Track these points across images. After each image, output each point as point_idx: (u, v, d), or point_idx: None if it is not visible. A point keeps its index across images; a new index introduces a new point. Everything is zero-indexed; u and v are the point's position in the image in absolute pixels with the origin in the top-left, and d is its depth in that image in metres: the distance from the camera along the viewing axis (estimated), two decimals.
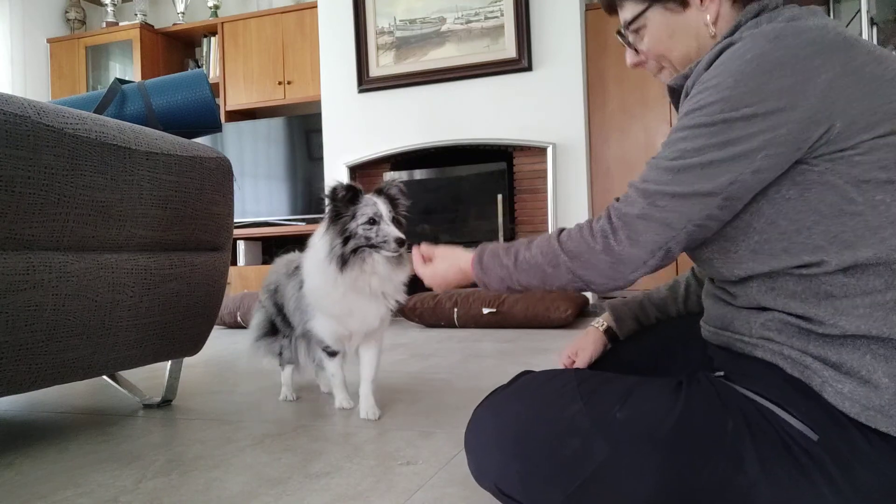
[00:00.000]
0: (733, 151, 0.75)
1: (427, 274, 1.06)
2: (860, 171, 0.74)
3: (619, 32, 0.98)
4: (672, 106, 1.02)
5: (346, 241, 1.46)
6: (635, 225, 0.81)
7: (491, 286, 0.96)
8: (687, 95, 0.85)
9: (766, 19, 0.82)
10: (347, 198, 1.47)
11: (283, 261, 1.80)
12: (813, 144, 0.74)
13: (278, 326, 1.79)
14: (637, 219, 0.81)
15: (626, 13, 0.95)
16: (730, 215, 0.80)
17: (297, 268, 1.64)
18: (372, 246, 1.46)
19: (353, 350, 1.66)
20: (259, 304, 1.87)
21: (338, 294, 1.49)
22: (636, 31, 0.95)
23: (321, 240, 1.50)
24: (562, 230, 0.90)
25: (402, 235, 1.44)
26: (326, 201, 1.48)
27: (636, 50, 0.98)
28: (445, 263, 1.04)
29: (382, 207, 1.47)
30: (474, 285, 1.00)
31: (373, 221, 1.45)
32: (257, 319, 1.86)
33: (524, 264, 0.91)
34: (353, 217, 1.46)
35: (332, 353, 1.64)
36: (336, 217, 1.48)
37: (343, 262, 1.45)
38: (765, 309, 0.82)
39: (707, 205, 0.78)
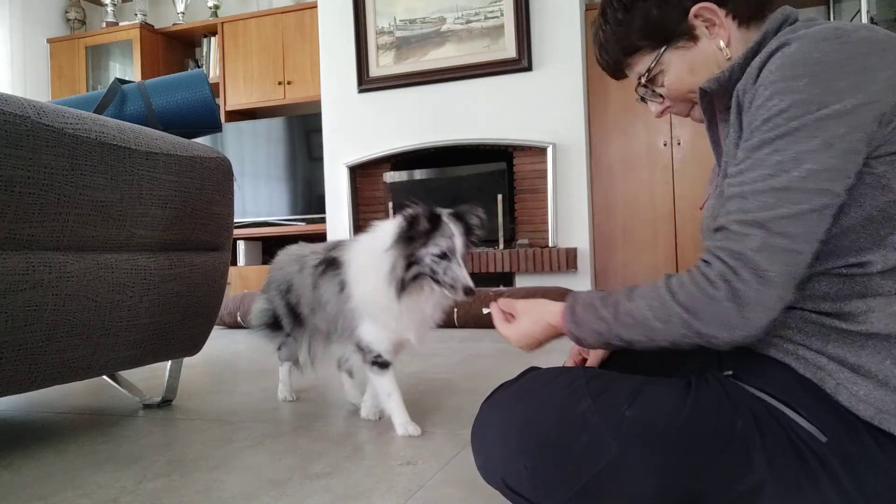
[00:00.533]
0: (837, 153, 0.71)
1: (512, 335, 1.00)
2: None
3: (639, 86, 0.96)
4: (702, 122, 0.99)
5: (409, 265, 1.35)
6: (758, 260, 0.72)
7: (586, 342, 0.89)
8: (738, 103, 0.82)
9: (803, 26, 0.80)
10: (426, 230, 1.34)
11: (290, 256, 1.69)
12: (879, 142, 0.73)
13: (283, 324, 1.71)
14: (758, 252, 0.72)
15: (641, 66, 0.94)
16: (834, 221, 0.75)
17: (331, 263, 1.50)
18: (435, 281, 1.36)
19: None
20: (261, 298, 1.78)
21: (394, 310, 1.40)
22: (652, 81, 0.94)
23: (384, 253, 1.37)
24: (670, 276, 0.81)
25: (472, 285, 1.34)
26: (400, 223, 1.35)
27: (660, 100, 0.96)
28: (530, 320, 0.97)
29: (458, 242, 1.35)
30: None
31: (444, 256, 1.34)
32: (260, 307, 1.76)
33: (626, 318, 0.82)
34: (425, 245, 1.34)
35: (385, 365, 1.45)
36: (406, 240, 1.35)
37: (402, 288, 1.36)
38: (787, 307, 0.81)
39: (826, 216, 0.73)
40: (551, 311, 0.94)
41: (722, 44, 0.88)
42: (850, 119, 0.71)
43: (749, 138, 0.77)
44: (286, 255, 1.72)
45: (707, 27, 0.89)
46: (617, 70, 0.98)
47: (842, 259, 0.77)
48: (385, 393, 1.44)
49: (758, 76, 0.78)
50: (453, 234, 1.35)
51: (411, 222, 1.33)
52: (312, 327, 1.63)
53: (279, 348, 1.77)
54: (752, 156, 0.76)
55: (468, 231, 1.39)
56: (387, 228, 1.41)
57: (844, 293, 0.77)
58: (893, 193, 0.74)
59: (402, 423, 1.42)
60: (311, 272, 1.55)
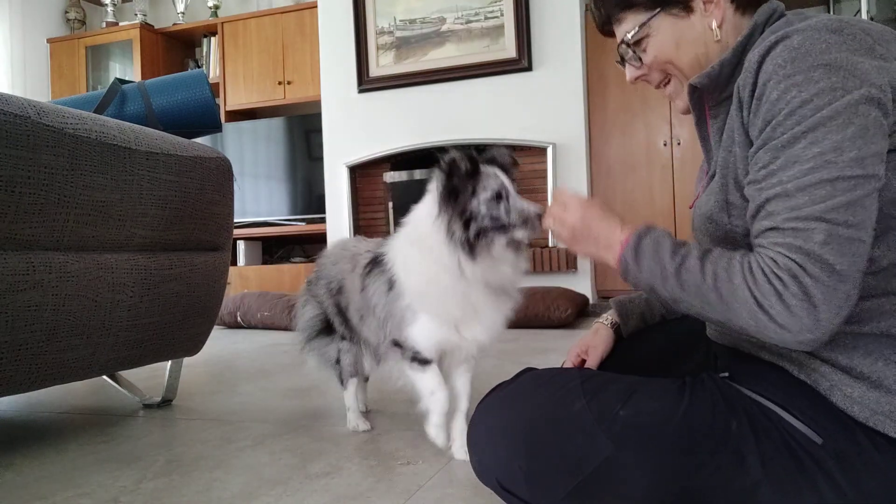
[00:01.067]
0: (875, 137, 0.70)
1: (566, 233, 0.92)
2: None
3: (622, 45, 0.94)
4: (684, 114, 0.98)
5: (466, 224, 1.15)
6: (825, 255, 0.69)
7: (634, 277, 0.83)
8: (740, 99, 0.80)
9: (798, 19, 0.79)
10: (469, 172, 1.15)
11: (344, 251, 1.47)
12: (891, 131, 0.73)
13: (336, 327, 1.48)
14: (825, 245, 0.69)
15: (628, 25, 0.92)
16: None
17: (376, 262, 1.32)
18: (501, 228, 1.15)
19: (446, 368, 1.32)
20: (307, 297, 1.56)
21: (461, 289, 1.18)
22: (637, 44, 0.92)
23: (431, 226, 1.18)
24: (746, 255, 0.76)
25: (540, 210, 1.13)
26: (439, 177, 1.17)
27: (638, 64, 0.95)
28: (598, 213, 0.89)
29: (506, 179, 1.18)
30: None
31: (499, 196, 1.15)
32: (308, 315, 1.53)
33: (690, 277, 0.77)
34: (474, 193, 1.15)
35: (425, 362, 1.26)
36: (451, 195, 1.15)
37: (471, 248, 1.14)
38: None
39: (875, 200, 0.70)
40: (618, 224, 0.87)
41: (714, 24, 0.87)
42: (874, 102, 0.70)
43: (772, 136, 0.74)
44: (339, 249, 1.50)
45: (704, 2, 0.88)
46: (605, 24, 0.96)
47: None
48: (428, 391, 1.25)
49: (758, 70, 0.77)
50: (497, 174, 1.18)
51: (451, 169, 1.15)
52: (362, 339, 1.43)
53: (337, 360, 1.50)
54: (783, 154, 0.73)
55: (506, 172, 1.21)
56: (424, 208, 1.23)
57: None
58: (891, 190, 0.74)
59: (436, 423, 1.25)
60: (360, 273, 1.36)
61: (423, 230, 1.20)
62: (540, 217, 1.13)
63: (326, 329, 1.50)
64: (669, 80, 0.95)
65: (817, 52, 0.72)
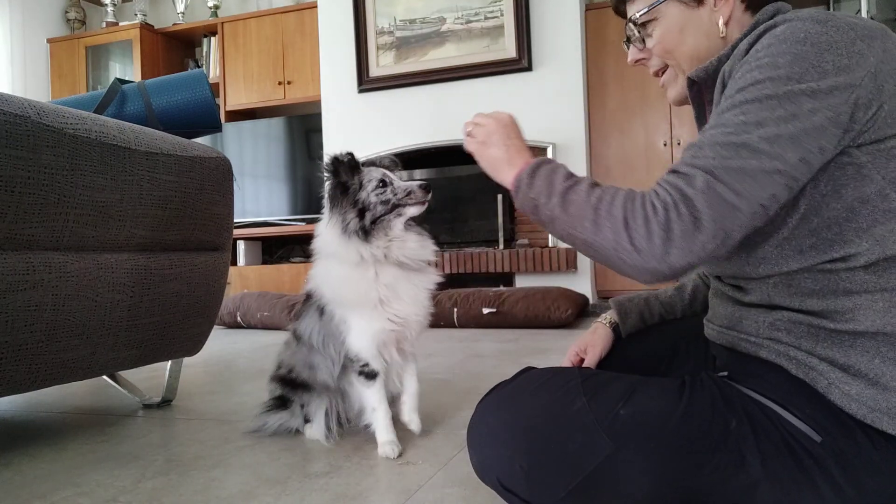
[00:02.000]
0: (798, 127, 0.71)
1: (482, 133, 0.97)
2: None
3: (629, 23, 0.96)
4: (674, 104, 1.00)
5: (361, 214, 1.25)
6: (698, 202, 0.72)
7: (522, 198, 0.86)
8: (723, 83, 0.82)
9: (794, 13, 0.81)
10: (351, 164, 1.27)
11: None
12: (860, 129, 0.73)
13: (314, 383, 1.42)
14: (700, 194, 0.72)
15: (639, 4, 0.93)
16: (787, 198, 0.75)
17: (306, 298, 1.39)
18: (393, 208, 1.25)
19: (396, 369, 1.36)
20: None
21: (370, 274, 1.26)
22: (644, 26, 0.94)
23: (329, 228, 1.28)
24: (631, 191, 0.80)
25: (424, 181, 1.25)
26: (326, 178, 1.28)
27: (641, 46, 0.96)
28: (509, 132, 0.94)
29: (386, 171, 1.30)
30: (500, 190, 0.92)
31: (384, 184, 1.26)
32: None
33: (576, 198, 0.80)
34: (361, 186, 1.26)
35: (372, 375, 1.30)
36: (341, 190, 1.27)
37: (365, 233, 1.24)
38: (775, 308, 0.82)
39: (774, 183, 0.72)
40: (529, 152, 0.92)
41: (721, 21, 0.89)
42: (822, 98, 0.72)
43: (720, 105, 0.78)
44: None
45: None
46: (620, 2, 0.98)
47: (827, 253, 0.77)
48: (370, 407, 1.31)
49: (744, 57, 0.79)
50: (378, 168, 1.29)
51: (335, 167, 1.26)
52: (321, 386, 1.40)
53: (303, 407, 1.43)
54: (718, 119, 0.76)
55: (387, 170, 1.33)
56: (322, 224, 1.32)
57: (830, 289, 0.77)
58: (876, 184, 0.74)
59: (383, 441, 1.29)
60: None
61: (325, 242, 1.30)
62: (423, 186, 1.25)
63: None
64: (667, 68, 0.97)
65: (792, 41, 0.74)
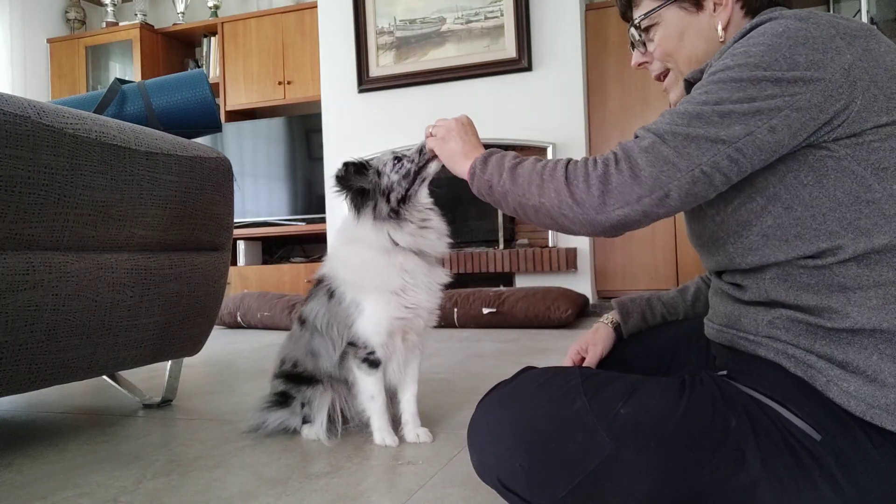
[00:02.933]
0: (752, 107, 0.75)
1: (442, 130, 1.08)
2: (879, 157, 0.75)
3: (632, 27, 0.99)
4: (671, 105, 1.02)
5: (388, 198, 1.29)
6: (639, 158, 0.78)
7: (478, 182, 0.94)
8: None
9: (776, 16, 0.83)
10: (356, 169, 1.30)
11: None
12: (832, 121, 0.75)
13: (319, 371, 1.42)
14: (643, 152, 0.78)
15: (643, 9, 0.96)
16: (736, 175, 0.77)
17: (318, 282, 1.40)
18: (416, 176, 1.29)
19: (398, 359, 1.37)
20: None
21: (396, 261, 1.29)
22: (647, 30, 0.97)
23: (358, 224, 1.30)
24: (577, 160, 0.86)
25: (428, 133, 1.21)
26: (342, 194, 1.31)
27: (644, 50, 0.99)
28: (466, 131, 1.05)
29: (395, 151, 1.34)
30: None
31: (398, 159, 1.30)
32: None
33: (523, 171, 0.88)
34: (379, 174, 1.30)
35: (375, 364, 1.31)
36: (361, 197, 1.30)
37: (397, 215, 1.28)
38: (773, 305, 0.82)
39: (717, 152, 0.76)
40: (483, 149, 1.01)
41: (720, 26, 0.91)
42: (785, 86, 0.74)
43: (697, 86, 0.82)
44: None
45: (714, 4, 0.91)
46: (627, 7, 1.00)
47: (813, 243, 0.78)
48: (368, 395, 1.33)
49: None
50: (385, 152, 1.34)
51: (344, 175, 1.29)
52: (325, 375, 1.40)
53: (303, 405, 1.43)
54: (690, 95, 0.81)
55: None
56: (348, 214, 1.36)
57: (824, 285, 0.78)
58: (858, 176, 0.75)
59: (379, 427, 1.33)
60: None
61: (351, 229, 1.32)
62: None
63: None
64: (668, 72, 0.99)
65: (770, 34, 0.77)
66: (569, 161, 0.85)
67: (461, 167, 1.00)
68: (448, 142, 1.05)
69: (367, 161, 1.33)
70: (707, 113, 0.76)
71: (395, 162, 1.30)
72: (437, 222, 1.35)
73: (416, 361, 1.42)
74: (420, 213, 1.32)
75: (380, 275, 1.29)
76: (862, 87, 0.74)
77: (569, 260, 3.87)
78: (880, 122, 0.75)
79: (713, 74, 0.79)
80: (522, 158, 0.91)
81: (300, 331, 1.42)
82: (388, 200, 1.29)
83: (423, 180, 1.31)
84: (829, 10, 3.98)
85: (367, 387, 1.33)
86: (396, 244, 1.28)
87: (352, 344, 1.32)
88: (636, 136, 0.81)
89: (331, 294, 1.35)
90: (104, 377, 1.86)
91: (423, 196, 1.33)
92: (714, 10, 0.91)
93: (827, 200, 0.77)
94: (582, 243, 3.98)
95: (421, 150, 1.28)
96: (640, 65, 1.02)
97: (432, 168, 1.29)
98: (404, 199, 1.29)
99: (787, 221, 0.79)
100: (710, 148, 0.76)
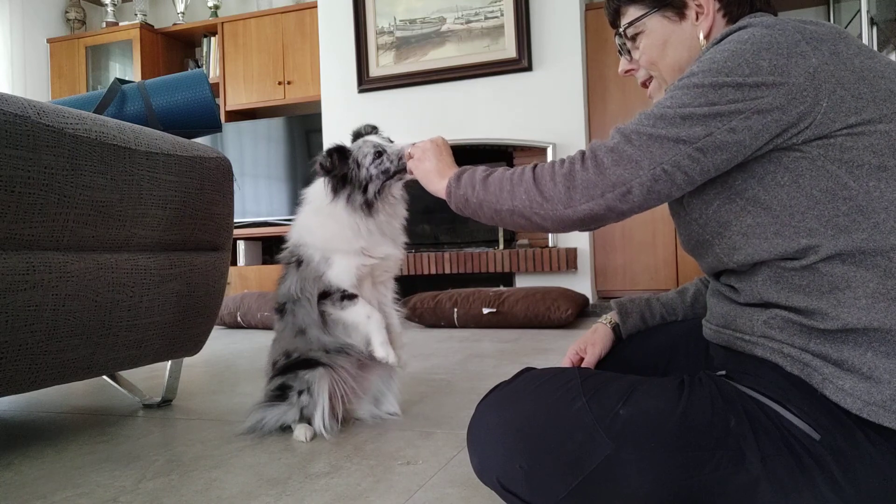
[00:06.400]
0: (713, 110, 0.78)
1: (418, 151, 1.12)
2: (853, 155, 0.76)
3: (617, 35, 1.01)
4: None
5: (364, 189, 1.38)
6: (604, 156, 0.82)
7: (455, 198, 0.98)
8: None
9: (744, 24, 0.85)
10: (340, 155, 1.38)
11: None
12: (797, 123, 0.76)
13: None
14: (608, 151, 0.82)
15: (628, 17, 0.98)
16: (699, 174, 0.80)
17: (287, 252, 1.50)
18: (393, 175, 1.38)
19: (373, 299, 1.47)
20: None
21: (361, 230, 1.40)
22: (633, 38, 0.99)
23: (333, 203, 1.39)
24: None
25: (409, 142, 1.29)
26: (323, 179, 1.40)
27: (630, 58, 1.02)
28: (441, 152, 1.09)
29: (375, 138, 1.42)
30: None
31: (379, 154, 1.38)
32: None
33: (494, 180, 0.93)
34: (358, 165, 1.38)
35: (352, 297, 1.41)
36: (341, 182, 1.38)
37: (369, 207, 1.38)
38: (767, 305, 0.83)
39: (678, 151, 0.79)
40: (453, 163, 1.07)
41: (701, 35, 0.93)
42: (746, 91, 0.76)
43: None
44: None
45: (696, 13, 0.93)
46: (615, 16, 1.02)
47: (793, 240, 0.79)
48: (364, 315, 1.40)
49: None
50: (367, 140, 1.41)
51: (327, 165, 1.37)
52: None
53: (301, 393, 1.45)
54: (655, 103, 0.84)
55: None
56: (319, 186, 1.44)
57: (815, 285, 0.78)
58: (833, 175, 0.76)
59: (382, 342, 1.40)
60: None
61: (323, 206, 1.40)
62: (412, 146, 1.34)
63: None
64: (652, 79, 1.02)
65: (736, 41, 0.79)
66: (535, 165, 0.89)
67: (436, 186, 1.05)
68: (423, 161, 1.09)
69: (348, 148, 1.41)
70: (670, 115, 0.79)
71: (376, 156, 1.38)
72: (400, 209, 1.46)
73: (389, 294, 1.53)
74: (391, 206, 1.43)
75: (347, 241, 1.40)
76: (828, 90, 0.75)
77: (569, 260, 3.87)
78: (849, 123, 0.76)
79: (680, 80, 0.82)
80: (493, 169, 0.96)
81: (280, 322, 1.49)
82: (364, 191, 1.38)
83: (400, 179, 1.41)
84: (829, 12, 3.98)
85: (359, 311, 1.41)
86: (361, 232, 1.40)
87: (325, 293, 1.41)
88: (610, 137, 0.85)
89: (299, 263, 1.44)
90: (104, 377, 1.86)
91: (395, 190, 1.43)
92: (696, 20, 0.93)
93: (804, 199, 0.78)
94: (582, 243, 3.98)
95: (401, 156, 1.36)
96: (626, 72, 1.05)
97: (408, 175, 1.34)
98: (379, 193, 1.39)
99: (766, 220, 0.80)
100: (672, 147, 0.79)
